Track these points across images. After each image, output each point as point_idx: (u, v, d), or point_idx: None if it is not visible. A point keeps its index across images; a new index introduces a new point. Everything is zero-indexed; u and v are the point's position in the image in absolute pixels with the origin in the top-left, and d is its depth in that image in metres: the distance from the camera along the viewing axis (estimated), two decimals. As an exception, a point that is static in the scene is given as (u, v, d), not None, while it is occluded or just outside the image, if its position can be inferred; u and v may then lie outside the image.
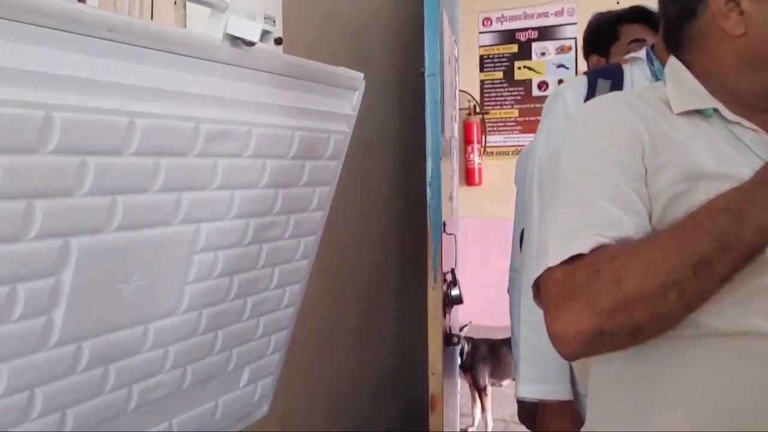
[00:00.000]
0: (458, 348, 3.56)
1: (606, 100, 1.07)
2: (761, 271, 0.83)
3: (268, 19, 1.68)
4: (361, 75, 1.31)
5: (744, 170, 0.87)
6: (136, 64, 0.87)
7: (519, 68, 5.95)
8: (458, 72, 3.06)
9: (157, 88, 0.90)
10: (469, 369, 3.77)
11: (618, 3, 2.57)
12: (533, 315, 1.49)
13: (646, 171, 0.94)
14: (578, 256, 0.85)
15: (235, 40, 1.01)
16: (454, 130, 2.72)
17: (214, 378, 1.20)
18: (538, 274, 0.89)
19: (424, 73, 1.87)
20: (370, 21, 2.56)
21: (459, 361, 3.57)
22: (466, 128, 5.83)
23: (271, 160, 1.12)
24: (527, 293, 1.55)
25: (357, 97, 1.32)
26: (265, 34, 1.04)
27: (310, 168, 1.22)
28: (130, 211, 0.90)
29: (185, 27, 1.53)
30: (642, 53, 1.51)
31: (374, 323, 2.61)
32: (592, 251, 0.84)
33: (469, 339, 3.68)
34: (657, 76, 1.43)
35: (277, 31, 1.86)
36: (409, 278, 2.79)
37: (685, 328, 0.85)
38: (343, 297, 2.33)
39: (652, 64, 1.47)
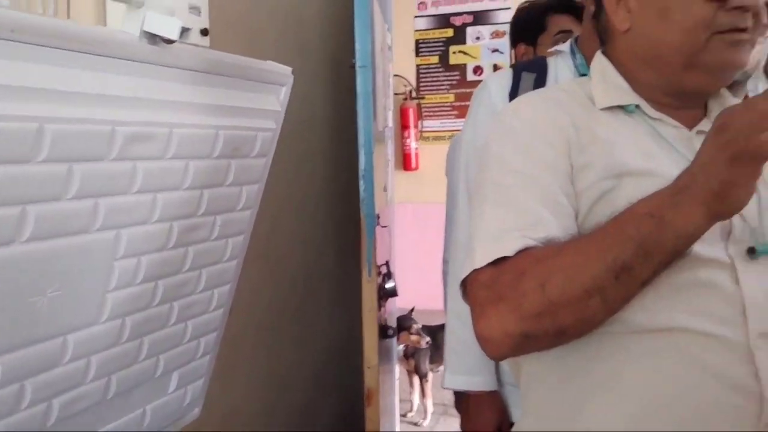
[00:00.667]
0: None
1: (533, 97, 1.07)
2: (684, 268, 0.84)
3: (193, 9, 1.62)
4: (290, 69, 1.28)
5: (668, 166, 0.88)
6: (44, 65, 0.82)
7: (454, 53, 5.97)
8: (391, 60, 3.05)
9: (69, 91, 0.85)
10: (411, 355, 3.80)
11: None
12: (459, 305, 1.50)
13: (572, 168, 0.93)
14: (504, 258, 0.84)
15: (153, 38, 0.97)
16: (388, 119, 2.71)
17: (141, 385, 1.17)
18: (465, 274, 0.89)
19: (355, 64, 1.85)
20: (304, 10, 2.52)
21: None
22: (402, 113, 5.83)
23: (195, 161, 1.08)
24: (453, 283, 1.56)
25: (285, 93, 1.28)
26: (185, 31, 1.00)
27: (237, 167, 1.19)
28: (41, 221, 0.85)
29: (105, 24, 1.47)
30: (565, 47, 1.52)
31: (310, 318, 2.59)
32: (518, 253, 0.84)
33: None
34: (579, 71, 1.44)
35: (204, 22, 1.80)
36: (345, 271, 2.77)
37: (611, 325, 0.86)
38: (279, 293, 2.30)
39: (575, 57, 1.48)
